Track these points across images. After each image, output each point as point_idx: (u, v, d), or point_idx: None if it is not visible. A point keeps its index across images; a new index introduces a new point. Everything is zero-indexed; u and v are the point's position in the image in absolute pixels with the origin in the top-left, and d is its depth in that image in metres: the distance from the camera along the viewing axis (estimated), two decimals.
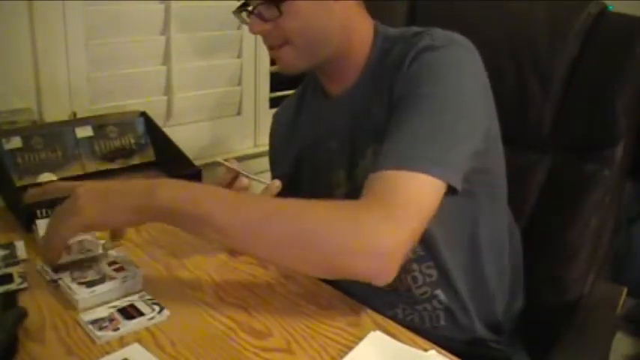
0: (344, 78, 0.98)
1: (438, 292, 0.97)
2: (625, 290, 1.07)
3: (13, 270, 0.89)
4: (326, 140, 1.02)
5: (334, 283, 0.92)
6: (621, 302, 1.04)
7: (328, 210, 0.76)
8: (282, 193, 0.88)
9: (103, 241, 0.93)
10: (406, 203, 0.76)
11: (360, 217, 0.75)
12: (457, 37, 0.89)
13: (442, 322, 0.98)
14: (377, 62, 0.95)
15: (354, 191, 0.97)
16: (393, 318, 0.84)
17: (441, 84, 0.85)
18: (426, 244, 0.93)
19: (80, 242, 0.92)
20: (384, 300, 0.98)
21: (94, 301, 0.81)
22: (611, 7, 1.12)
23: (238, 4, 0.94)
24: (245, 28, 1.54)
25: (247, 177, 0.93)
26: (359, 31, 0.95)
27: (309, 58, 0.93)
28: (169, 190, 0.77)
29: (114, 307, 0.81)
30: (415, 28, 0.94)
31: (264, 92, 1.67)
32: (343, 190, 1.00)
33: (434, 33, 0.90)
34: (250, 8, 0.90)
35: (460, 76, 0.86)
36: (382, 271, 0.75)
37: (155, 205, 0.77)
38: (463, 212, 0.92)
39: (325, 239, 0.74)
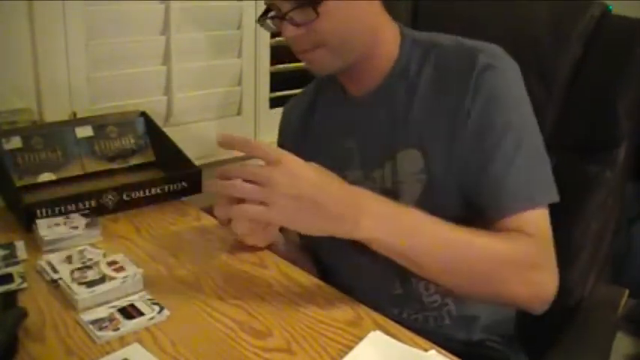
0: (368, 79, 0.97)
1: (448, 300, 0.97)
2: (626, 292, 1.07)
3: (13, 270, 0.89)
4: (343, 139, 1.01)
5: (339, 282, 0.92)
6: (622, 304, 1.04)
7: (509, 256, 0.84)
8: None
9: (103, 251, 0.93)
10: (550, 242, 0.88)
11: (529, 264, 0.85)
12: (500, 51, 0.92)
13: (447, 322, 0.98)
14: (406, 66, 0.94)
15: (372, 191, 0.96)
16: (397, 316, 0.84)
17: (517, 109, 0.90)
18: None
19: (81, 252, 0.92)
20: (392, 302, 0.98)
21: (94, 301, 0.81)
22: (611, 7, 1.12)
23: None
24: (245, 28, 1.55)
25: None
26: (384, 31, 0.95)
27: (343, 58, 0.92)
28: (373, 221, 0.79)
29: (114, 307, 0.81)
30: (443, 36, 0.95)
31: (264, 92, 1.67)
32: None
33: (485, 48, 0.91)
34: (280, 14, 0.88)
35: (525, 97, 0.91)
36: (545, 304, 0.87)
37: (359, 236, 0.80)
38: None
39: (507, 284, 0.85)
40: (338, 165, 0.99)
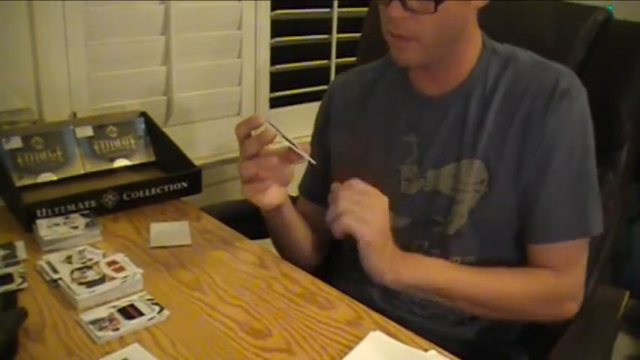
0: (444, 80, 0.96)
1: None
2: (627, 294, 1.06)
3: (13, 270, 0.89)
4: (403, 133, 1.00)
5: (353, 272, 0.91)
6: (623, 305, 1.04)
7: (535, 292, 0.92)
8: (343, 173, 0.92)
9: (103, 251, 0.93)
10: (584, 269, 0.94)
11: (559, 297, 0.94)
12: (575, 77, 0.93)
13: (449, 320, 0.98)
14: (484, 74, 0.94)
15: (421, 192, 0.97)
16: (401, 312, 0.85)
17: (584, 137, 0.91)
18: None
19: (81, 252, 0.92)
20: (401, 299, 0.98)
21: (94, 301, 0.82)
22: (611, 7, 1.12)
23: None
24: (245, 28, 1.55)
25: (285, 139, 0.90)
26: (472, 36, 0.95)
27: (431, 56, 0.91)
28: (411, 271, 0.89)
29: (114, 307, 0.81)
30: (519, 50, 0.96)
31: (264, 92, 1.67)
32: (413, 186, 0.98)
33: (562, 71, 0.92)
34: None
35: (591, 126, 0.93)
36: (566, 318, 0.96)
37: (400, 283, 0.89)
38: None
39: (535, 317, 0.96)
40: (393, 157, 1.00)
